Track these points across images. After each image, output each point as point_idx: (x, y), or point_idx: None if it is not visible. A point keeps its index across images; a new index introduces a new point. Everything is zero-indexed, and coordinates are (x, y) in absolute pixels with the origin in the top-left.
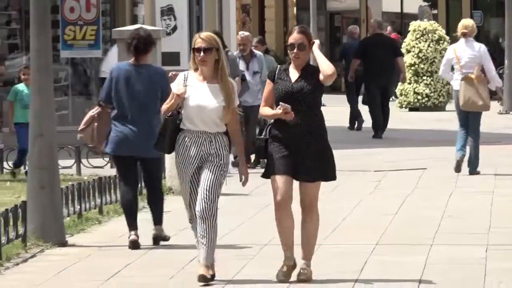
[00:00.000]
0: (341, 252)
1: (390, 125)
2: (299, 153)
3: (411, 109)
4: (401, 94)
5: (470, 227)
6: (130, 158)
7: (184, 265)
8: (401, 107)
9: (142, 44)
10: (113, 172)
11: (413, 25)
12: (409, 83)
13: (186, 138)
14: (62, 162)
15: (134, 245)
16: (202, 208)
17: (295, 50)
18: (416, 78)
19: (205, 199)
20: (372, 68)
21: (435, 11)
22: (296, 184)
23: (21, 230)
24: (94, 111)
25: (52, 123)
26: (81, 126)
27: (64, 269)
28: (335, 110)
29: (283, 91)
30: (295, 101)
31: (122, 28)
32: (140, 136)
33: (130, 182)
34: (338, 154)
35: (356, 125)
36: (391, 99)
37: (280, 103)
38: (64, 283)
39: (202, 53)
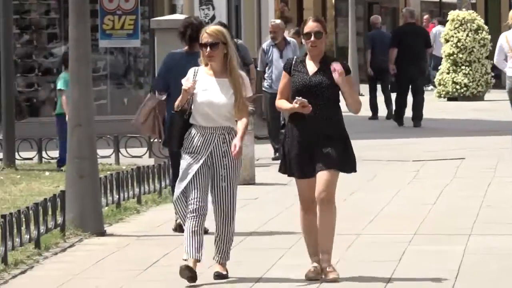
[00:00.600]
0: (380, 242)
1: (429, 115)
2: (318, 147)
3: (449, 99)
4: (439, 84)
5: (508, 217)
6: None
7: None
8: (439, 96)
9: (195, 32)
10: (151, 161)
11: (452, 14)
12: (448, 73)
13: (197, 134)
14: (100, 152)
15: (181, 228)
16: (223, 211)
17: (312, 39)
18: (454, 67)
19: (226, 204)
20: (404, 57)
21: (473, 1)
22: None
23: (59, 219)
24: (151, 102)
25: (90, 113)
26: (141, 120)
27: (102, 259)
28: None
29: (300, 84)
30: (313, 95)
31: (160, 18)
32: None
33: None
34: (376, 144)
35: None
36: (429, 88)
37: (297, 97)
38: (103, 273)
39: (209, 49)
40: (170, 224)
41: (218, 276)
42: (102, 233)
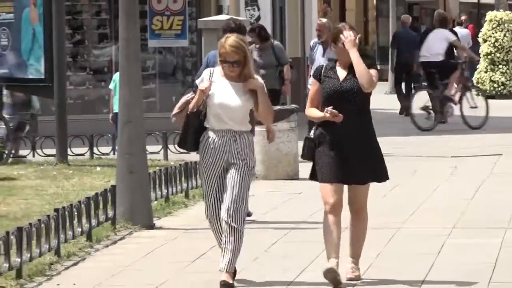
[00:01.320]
0: (419, 235)
1: (466, 112)
2: (348, 155)
3: (487, 97)
4: (477, 83)
5: None
6: None
7: (267, 248)
8: (477, 95)
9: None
10: (198, 157)
11: (490, 15)
12: (485, 72)
13: (211, 139)
14: (149, 148)
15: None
16: (229, 216)
17: (340, 45)
18: (492, 66)
19: (232, 208)
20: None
21: (511, 1)
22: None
23: (110, 213)
24: (188, 96)
25: (140, 110)
26: (175, 111)
27: (151, 251)
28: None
29: (331, 90)
30: (344, 101)
31: (207, 18)
32: None
33: None
34: (416, 140)
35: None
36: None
37: (326, 108)
38: (152, 264)
39: (231, 66)
40: None
41: (225, 285)
42: (151, 226)
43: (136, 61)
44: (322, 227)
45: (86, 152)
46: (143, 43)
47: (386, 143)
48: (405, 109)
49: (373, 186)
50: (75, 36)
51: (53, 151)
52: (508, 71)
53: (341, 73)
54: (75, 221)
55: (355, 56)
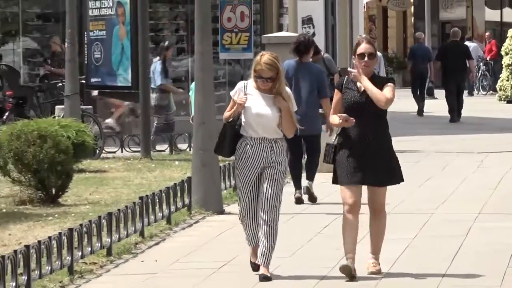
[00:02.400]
0: (450, 220)
1: (491, 115)
2: (366, 160)
3: (508, 102)
4: (500, 89)
5: None
6: (298, 136)
7: (320, 230)
8: (500, 100)
9: (303, 47)
10: None
11: (511, 31)
12: (507, 80)
13: (248, 146)
14: None
15: (298, 200)
16: (267, 215)
17: (365, 59)
18: None
19: (270, 208)
20: (450, 68)
21: None
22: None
23: (187, 200)
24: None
25: (212, 113)
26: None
27: (222, 233)
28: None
29: (351, 101)
30: (362, 110)
31: (269, 35)
32: (305, 119)
33: (297, 153)
34: (446, 139)
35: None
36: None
37: (338, 115)
38: (222, 244)
39: (265, 81)
40: None
41: (264, 278)
42: (222, 212)
43: (209, 71)
44: (342, 226)
45: (166, 149)
46: (215, 56)
47: (420, 141)
48: (420, 111)
49: (410, 179)
50: (157, 49)
51: (138, 147)
52: None
53: (361, 85)
54: (157, 207)
55: (365, 84)
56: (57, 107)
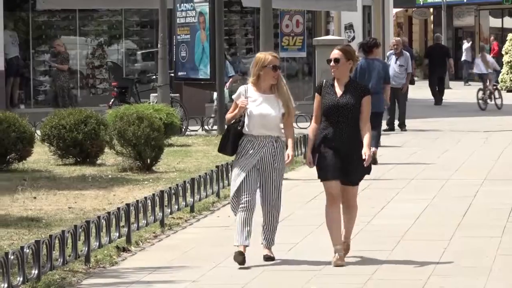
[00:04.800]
0: (462, 184)
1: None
2: (341, 158)
3: (508, 91)
4: (501, 81)
5: None
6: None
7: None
8: (501, 89)
9: (366, 47)
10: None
11: (510, 35)
12: (507, 74)
13: (249, 143)
14: None
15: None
16: (273, 202)
17: (331, 64)
18: (511, 70)
19: (275, 197)
20: (433, 65)
21: None
22: None
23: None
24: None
25: None
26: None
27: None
28: (454, 92)
29: (329, 105)
30: (340, 114)
31: (319, 38)
32: (371, 98)
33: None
34: (459, 120)
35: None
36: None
37: (312, 160)
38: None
39: (277, 71)
40: None
41: (268, 258)
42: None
43: None
44: (325, 219)
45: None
46: None
47: (439, 122)
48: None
49: (431, 152)
50: (231, 50)
51: (215, 126)
52: None
53: (339, 90)
54: (229, 174)
55: (368, 145)
56: (151, 95)
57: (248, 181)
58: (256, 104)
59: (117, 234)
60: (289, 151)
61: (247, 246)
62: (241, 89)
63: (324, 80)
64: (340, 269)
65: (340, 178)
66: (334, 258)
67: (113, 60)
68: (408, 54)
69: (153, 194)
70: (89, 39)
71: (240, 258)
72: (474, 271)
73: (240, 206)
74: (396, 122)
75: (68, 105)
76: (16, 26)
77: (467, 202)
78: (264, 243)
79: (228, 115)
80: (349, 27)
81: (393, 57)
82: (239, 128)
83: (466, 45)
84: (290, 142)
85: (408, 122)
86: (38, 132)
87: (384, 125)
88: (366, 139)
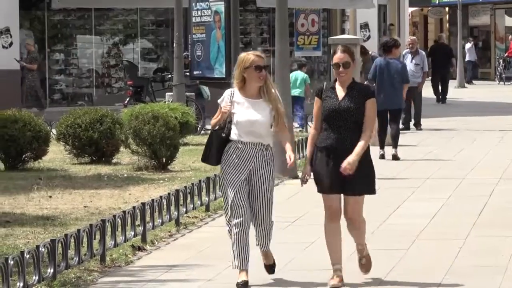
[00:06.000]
0: (477, 183)
1: (510, 100)
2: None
3: None
4: None
5: None
6: (385, 110)
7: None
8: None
9: (386, 47)
10: None
11: None
12: None
13: (237, 149)
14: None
15: (382, 157)
16: (265, 223)
17: (340, 69)
18: None
19: (267, 211)
20: (436, 64)
21: None
22: None
23: None
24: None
25: (288, 101)
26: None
27: (296, 193)
28: (469, 91)
29: (330, 109)
30: (341, 118)
31: (334, 37)
32: (391, 96)
33: (383, 122)
34: (474, 120)
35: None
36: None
37: (306, 175)
38: (296, 202)
39: (262, 71)
40: None
41: (268, 266)
42: (296, 177)
43: (286, 66)
44: (324, 235)
45: None
46: (290, 53)
47: (453, 122)
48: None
49: (446, 151)
50: (246, 49)
51: None
52: None
53: (340, 93)
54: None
55: (358, 154)
56: (167, 94)
57: (239, 197)
58: (242, 109)
59: (133, 233)
60: (289, 153)
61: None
62: (227, 92)
63: (325, 83)
64: (355, 267)
65: (341, 191)
66: (331, 280)
67: (128, 59)
68: (423, 53)
69: (169, 193)
70: (104, 38)
71: (245, 286)
72: (490, 270)
73: (234, 226)
74: (412, 121)
75: (37, 105)
76: (32, 25)
77: (483, 201)
78: (265, 260)
79: (213, 121)
80: (365, 26)
81: (409, 56)
82: (223, 135)
83: (468, 45)
84: (288, 145)
85: (423, 121)
86: (54, 131)
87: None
88: (359, 146)
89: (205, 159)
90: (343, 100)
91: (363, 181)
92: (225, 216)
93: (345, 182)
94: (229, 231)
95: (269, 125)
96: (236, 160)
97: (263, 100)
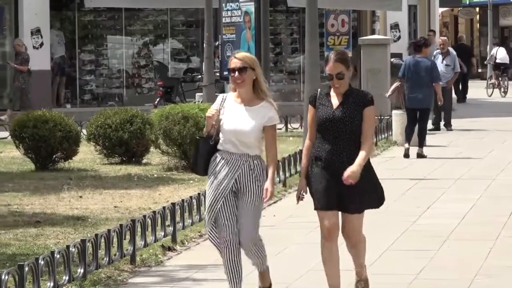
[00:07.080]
0: (507, 184)
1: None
2: (342, 184)
3: None
4: None
5: None
6: (414, 109)
7: (404, 191)
8: None
9: (415, 46)
10: None
11: None
12: None
13: (223, 160)
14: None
15: (406, 155)
16: (248, 239)
17: (334, 80)
18: None
19: (253, 229)
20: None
21: None
22: None
23: (298, 168)
24: (396, 84)
25: None
26: (389, 93)
27: None
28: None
29: (324, 118)
30: (336, 128)
31: (364, 37)
32: (418, 95)
33: (412, 121)
34: (504, 120)
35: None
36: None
37: (302, 192)
38: None
39: (237, 73)
40: None
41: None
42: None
43: (316, 66)
44: (321, 256)
45: (282, 127)
46: (321, 54)
47: (482, 122)
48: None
49: (477, 151)
50: (276, 49)
51: None
52: None
53: (335, 100)
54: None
55: (357, 170)
56: (197, 94)
57: (225, 210)
58: (230, 116)
59: (163, 233)
60: (268, 185)
61: None
62: (220, 97)
63: (319, 90)
64: (385, 268)
65: (337, 208)
66: None
67: (158, 59)
68: (454, 53)
69: (198, 194)
70: (134, 38)
71: None
72: None
73: (223, 243)
74: (442, 122)
75: (26, 107)
76: (62, 26)
77: None
78: (260, 284)
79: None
80: (395, 26)
81: (440, 57)
82: (211, 143)
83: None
84: (270, 172)
85: (454, 122)
86: (84, 131)
87: (429, 125)
88: (360, 156)
89: (194, 168)
90: (337, 109)
91: (364, 196)
92: (210, 232)
93: (344, 198)
94: (212, 242)
95: (258, 135)
96: (222, 172)
97: (258, 107)
